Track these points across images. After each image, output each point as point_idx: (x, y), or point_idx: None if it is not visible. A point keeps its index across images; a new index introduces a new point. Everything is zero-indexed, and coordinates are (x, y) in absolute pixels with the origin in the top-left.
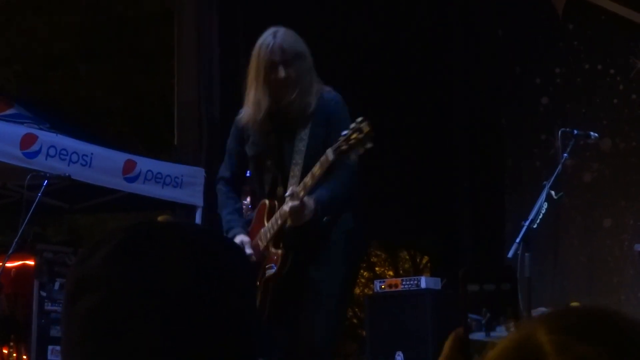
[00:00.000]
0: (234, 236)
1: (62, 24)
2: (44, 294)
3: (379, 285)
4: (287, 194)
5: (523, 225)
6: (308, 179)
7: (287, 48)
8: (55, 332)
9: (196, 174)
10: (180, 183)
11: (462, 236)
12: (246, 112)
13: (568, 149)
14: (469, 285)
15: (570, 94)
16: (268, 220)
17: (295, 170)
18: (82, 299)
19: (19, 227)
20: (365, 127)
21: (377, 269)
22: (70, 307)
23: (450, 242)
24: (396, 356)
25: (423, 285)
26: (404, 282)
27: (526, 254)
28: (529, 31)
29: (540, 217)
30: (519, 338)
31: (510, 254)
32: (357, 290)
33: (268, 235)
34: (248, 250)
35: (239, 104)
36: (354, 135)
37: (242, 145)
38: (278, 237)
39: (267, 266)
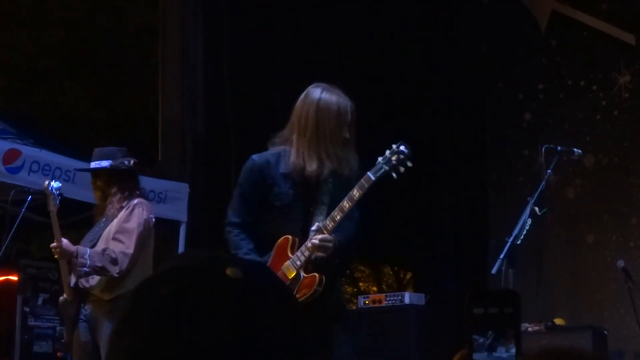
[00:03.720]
0: None
1: (47, 38)
2: (27, 309)
3: (362, 301)
4: (313, 228)
5: (507, 242)
6: (337, 214)
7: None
8: (38, 347)
9: (180, 189)
10: (164, 198)
11: (445, 252)
12: (297, 163)
13: (551, 165)
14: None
15: (553, 109)
16: (293, 253)
17: (322, 209)
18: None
19: (2, 242)
20: (405, 149)
21: (360, 284)
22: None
23: (433, 257)
24: None
25: (407, 300)
26: (387, 298)
27: (510, 270)
28: (512, 47)
29: (524, 233)
30: None
31: (494, 270)
32: None
33: (298, 263)
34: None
35: (223, 119)
36: (394, 157)
37: (261, 192)
38: (307, 266)
39: (302, 293)
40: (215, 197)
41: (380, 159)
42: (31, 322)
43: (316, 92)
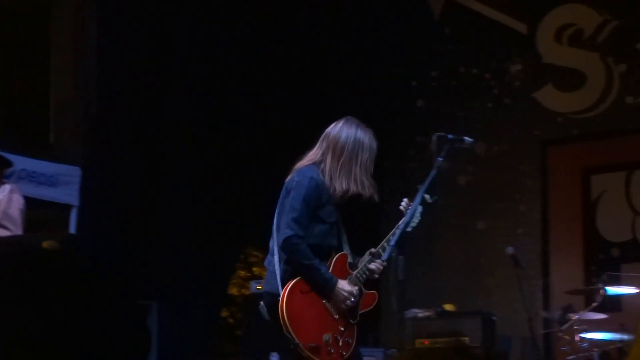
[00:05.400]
0: (336, 282)
1: None
2: None
3: (255, 286)
4: (372, 251)
5: (398, 228)
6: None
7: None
8: None
9: (72, 173)
10: (55, 182)
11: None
12: (338, 194)
13: (443, 153)
14: None
15: (445, 97)
16: (348, 269)
17: (345, 238)
18: None
19: None
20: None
21: (254, 269)
22: None
23: None
24: (271, 357)
25: None
26: None
27: (400, 257)
28: (406, 34)
29: (415, 220)
30: None
31: (384, 257)
32: (234, 291)
33: (360, 279)
34: (357, 293)
35: (117, 102)
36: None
37: (316, 209)
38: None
39: (366, 304)
40: (108, 181)
41: (406, 210)
42: None
43: (353, 126)
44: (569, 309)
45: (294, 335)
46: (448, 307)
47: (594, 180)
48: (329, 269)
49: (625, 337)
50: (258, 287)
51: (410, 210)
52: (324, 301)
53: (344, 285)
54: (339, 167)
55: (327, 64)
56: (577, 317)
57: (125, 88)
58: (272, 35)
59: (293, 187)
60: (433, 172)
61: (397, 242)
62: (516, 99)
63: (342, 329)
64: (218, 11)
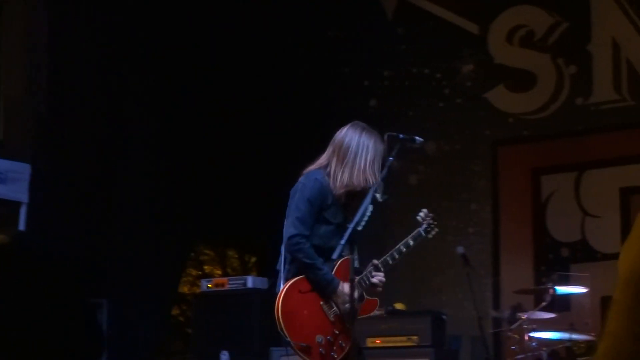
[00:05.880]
0: (338, 284)
1: None
2: None
3: (205, 284)
4: (375, 262)
5: (348, 227)
6: (396, 255)
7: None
8: None
9: (22, 170)
10: (4, 179)
11: None
12: (340, 190)
13: (394, 152)
14: None
15: (397, 97)
16: (348, 276)
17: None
18: None
19: None
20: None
21: (205, 267)
22: None
23: (277, 241)
24: (221, 355)
25: (250, 284)
26: (230, 282)
27: (351, 256)
28: (359, 33)
29: (365, 219)
30: None
31: (334, 255)
32: (185, 289)
33: (363, 286)
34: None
35: (67, 99)
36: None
37: (321, 209)
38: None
39: (366, 310)
40: (58, 178)
41: (423, 220)
42: None
43: (357, 129)
44: (519, 308)
45: (285, 333)
46: (398, 306)
47: (544, 180)
48: (333, 271)
49: (574, 336)
50: (209, 285)
51: (361, 209)
52: (321, 303)
53: (345, 288)
54: (342, 167)
55: (278, 63)
56: (526, 316)
57: (75, 85)
58: (224, 33)
59: (298, 189)
60: (384, 172)
61: (348, 240)
62: (467, 99)
63: (337, 332)
64: (169, 7)
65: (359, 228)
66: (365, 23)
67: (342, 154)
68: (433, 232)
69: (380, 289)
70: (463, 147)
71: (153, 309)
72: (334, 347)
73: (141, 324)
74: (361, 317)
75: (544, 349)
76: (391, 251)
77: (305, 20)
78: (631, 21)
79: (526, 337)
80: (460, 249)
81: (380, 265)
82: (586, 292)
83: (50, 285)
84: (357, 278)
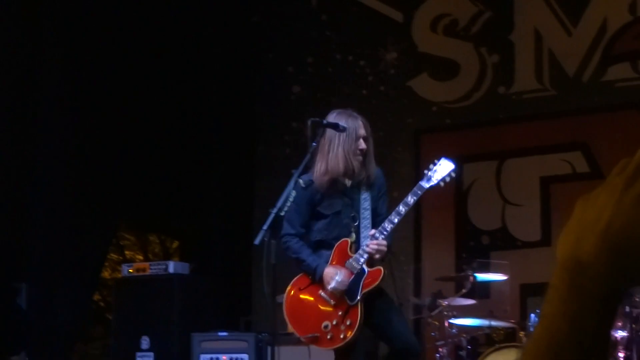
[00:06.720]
0: (322, 270)
1: None
2: None
3: (126, 269)
4: (370, 233)
5: (270, 213)
6: (394, 218)
7: (368, 125)
8: None
9: None
10: None
11: (211, 221)
12: (322, 179)
13: (317, 138)
14: None
15: (321, 83)
16: (353, 253)
17: (365, 222)
18: None
19: None
20: (451, 162)
21: (126, 252)
22: None
23: (199, 227)
24: (142, 340)
25: (171, 270)
26: (152, 267)
27: (272, 241)
28: (283, 19)
29: (288, 204)
30: None
31: (257, 241)
32: (106, 274)
33: (361, 260)
34: (340, 277)
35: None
36: (440, 169)
37: (313, 207)
38: (369, 261)
39: (367, 282)
40: None
41: (428, 172)
42: None
43: (330, 117)
44: (439, 295)
45: (294, 331)
46: None
47: (466, 168)
48: (330, 257)
49: (493, 323)
50: (130, 270)
51: (284, 194)
52: (320, 292)
53: (329, 270)
54: (319, 157)
55: (202, 48)
56: (446, 303)
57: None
58: (147, 15)
59: None
60: (307, 157)
61: (270, 226)
62: (391, 87)
63: (341, 313)
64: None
65: (282, 214)
66: (289, 9)
67: (321, 147)
68: (433, 180)
69: (378, 255)
70: (386, 135)
71: (73, 294)
72: (342, 328)
73: (61, 308)
74: (366, 290)
75: (464, 335)
76: (389, 215)
77: (229, 6)
78: (553, 11)
79: (446, 324)
80: None
81: (377, 234)
82: (506, 279)
83: None
84: (353, 256)
